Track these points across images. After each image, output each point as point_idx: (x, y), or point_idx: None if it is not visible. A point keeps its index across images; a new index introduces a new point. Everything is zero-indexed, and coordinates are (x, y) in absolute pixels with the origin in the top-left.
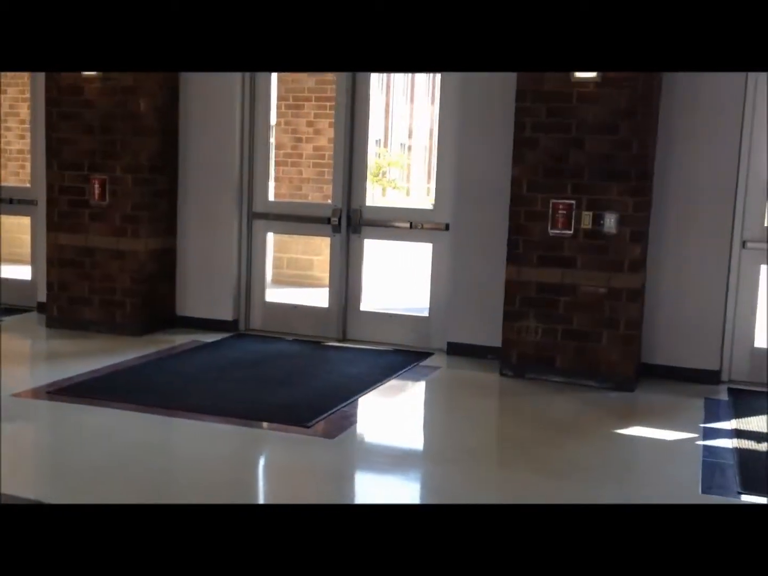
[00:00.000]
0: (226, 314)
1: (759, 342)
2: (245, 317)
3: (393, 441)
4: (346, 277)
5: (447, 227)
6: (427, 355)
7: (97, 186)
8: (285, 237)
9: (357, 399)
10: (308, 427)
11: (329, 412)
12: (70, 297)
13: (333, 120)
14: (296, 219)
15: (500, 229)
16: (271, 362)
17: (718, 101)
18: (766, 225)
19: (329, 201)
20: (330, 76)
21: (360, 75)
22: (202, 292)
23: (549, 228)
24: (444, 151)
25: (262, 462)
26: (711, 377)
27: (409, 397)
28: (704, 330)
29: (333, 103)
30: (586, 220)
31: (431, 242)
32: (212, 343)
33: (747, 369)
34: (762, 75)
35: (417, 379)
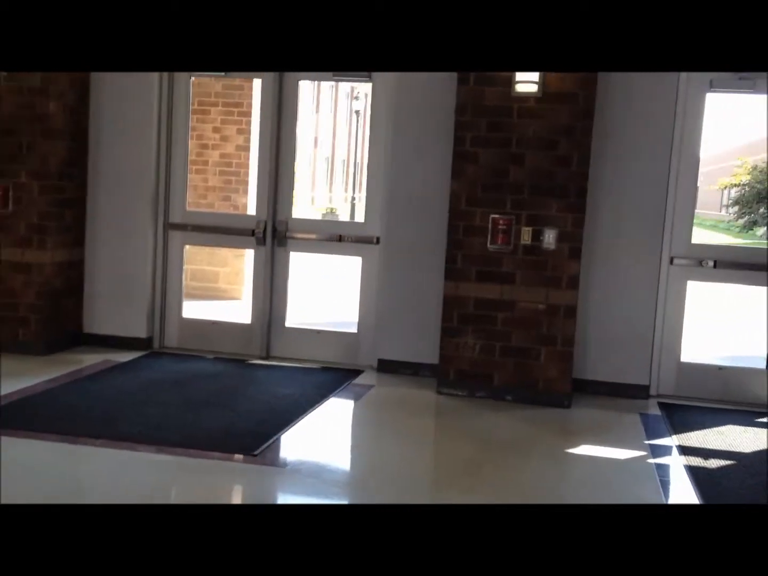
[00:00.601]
0: (139, 331)
1: (685, 356)
2: (160, 334)
3: (345, 466)
4: (270, 291)
5: (377, 241)
6: (357, 372)
7: None
8: (190, 248)
9: (297, 422)
10: (255, 456)
11: (273, 438)
12: None
13: (255, 126)
14: (215, 230)
15: (432, 243)
16: (195, 383)
17: (650, 118)
18: (692, 242)
19: (252, 212)
20: (238, 81)
21: (287, 77)
22: (112, 308)
23: (488, 243)
24: (374, 163)
25: (220, 497)
26: (641, 391)
27: (349, 419)
28: (634, 345)
29: (241, 109)
30: (526, 235)
31: (360, 256)
32: (127, 362)
33: (674, 383)
34: (693, 90)
35: (352, 399)
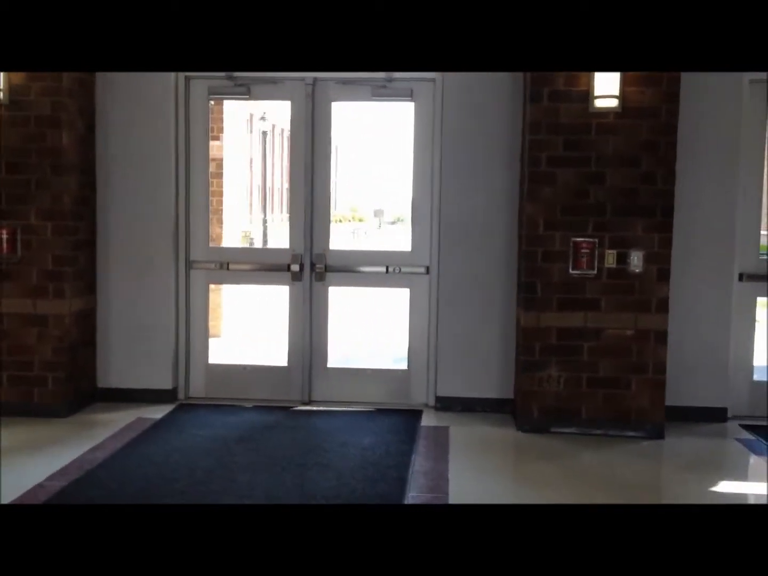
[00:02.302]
0: (163, 382)
1: (759, 375)
2: (185, 384)
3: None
4: (309, 330)
5: (427, 270)
6: (415, 413)
7: (4, 236)
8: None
9: (410, 479)
10: None
11: (406, 502)
12: None
13: (290, 154)
14: (245, 266)
15: (492, 271)
16: (261, 439)
17: (717, 132)
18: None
19: (284, 245)
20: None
21: (319, 99)
22: (130, 358)
23: (570, 269)
24: (419, 187)
25: None
26: (719, 414)
27: (462, 469)
28: (710, 366)
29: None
30: (610, 258)
31: (408, 287)
32: (164, 419)
33: (748, 403)
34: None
35: (441, 444)
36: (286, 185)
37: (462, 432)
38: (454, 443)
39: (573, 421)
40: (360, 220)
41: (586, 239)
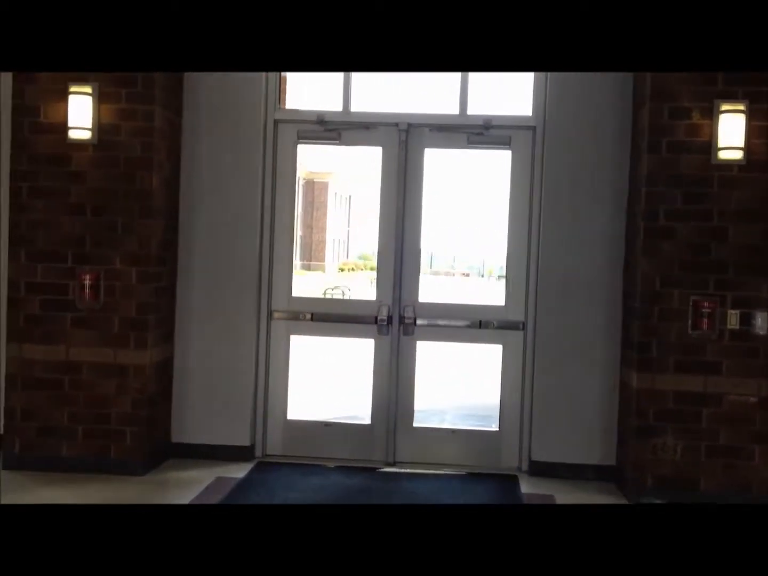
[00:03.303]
0: (240, 438)
1: None
2: (263, 441)
3: None
4: (396, 387)
5: (522, 326)
6: (510, 478)
7: (87, 282)
8: None
9: None
10: None
11: None
12: (40, 428)
13: (380, 201)
14: (330, 318)
15: (592, 329)
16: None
17: None
18: None
19: (371, 297)
20: None
21: (411, 145)
22: (206, 412)
23: (689, 329)
24: (515, 238)
25: None
26: None
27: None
28: None
29: None
30: (732, 319)
31: (501, 344)
32: (247, 479)
33: None
34: None
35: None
36: (337, 236)
37: (570, 502)
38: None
39: (690, 492)
40: (452, 275)
41: (708, 298)
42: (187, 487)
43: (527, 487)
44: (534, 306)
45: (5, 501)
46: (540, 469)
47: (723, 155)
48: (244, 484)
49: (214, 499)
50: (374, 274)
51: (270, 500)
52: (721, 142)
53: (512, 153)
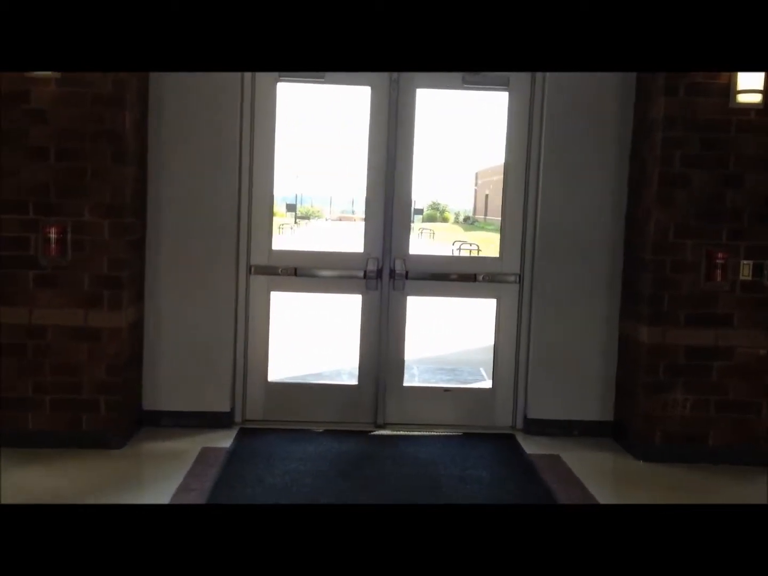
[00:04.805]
0: (219, 404)
1: None
2: (242, 406)
3: None
4: (386, 345)
5: (519, 279)
6: (508, 437)
7: (53, 235)
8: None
9: None
10: None
11: None
12: (2, 399)
13: (369, 146)
14: (313, 273)
15: (591, 281)
16: (360, 474)
17: None
18: None
19: (357, 250)
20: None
21: (403, 85)
22: (181, 377)
23: (702, 281)
24: (511, 186)
25: None
26: None
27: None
28: None
29: None
30: (745, 270)
31: (495, 298)
32: (236, 450)
33: None
34: None
35: (569, 477)
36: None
37: (579, 462)
38: (582, 476)
39: (698, 450)
40: (444, 221)
41: (721, 249)
42: (174, 459)
43: (529, 447)
44: (531, 258)
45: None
46: (536, 428)
47: (741, 98)
48: (234, 456)
49: (209, 473)
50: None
51: (270, 472)
52: (741, 84)
53: (510, 95)
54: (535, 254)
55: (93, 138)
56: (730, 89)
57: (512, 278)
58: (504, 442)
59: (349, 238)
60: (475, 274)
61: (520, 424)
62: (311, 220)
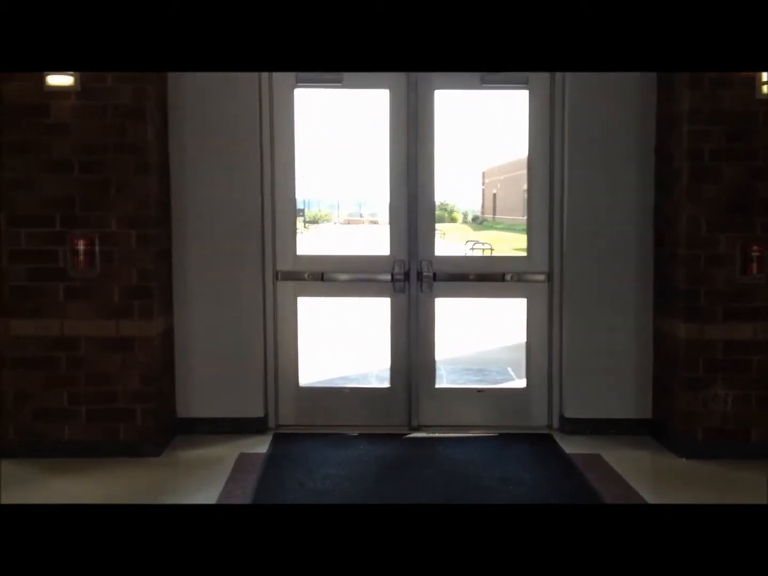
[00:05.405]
0: (253, 410)
1: None
2: (275, 411)
3: None
4: (417, 348)
5: (548, 277)
6: (546, 437)
7: (81, 247)
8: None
9: None
10: None
11: None
12: (36, 411)
13: (390, 149)
14: (340, 277)
15: (619, 277)
16: (403, 477)
17: None
18: None
19: (384, 252)
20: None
21: (421, 86)
22: (213, 384)
23: (737, 275)
24: (536, 184)
25: None
26: None
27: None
28: None
29: None
30: None
31: (526, 297)
32: (273, 455)
33: None
34: None
35: (613, 477)
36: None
37: (620, 460)
38: (626, 475)
39: (740, 446)
40: (453, 221)
41: (755, 241)
42: (212, 466)
43: (567, 447)
44: (560, 255)
45: (13, 495)
46: (573, 427)
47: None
48: (272, 461)
49: (249, 479)
50: (377, 227)
51: (310, 477)
52: (766, 75)
53: (530, 93)
54: (564, 252)
55: (115, 150)
56: (755, 80)
57: (541, 277)
58: (542, 442)
59: (360, 240)
60: (503, 274)
61: (556, 423)
62: (320, 223)
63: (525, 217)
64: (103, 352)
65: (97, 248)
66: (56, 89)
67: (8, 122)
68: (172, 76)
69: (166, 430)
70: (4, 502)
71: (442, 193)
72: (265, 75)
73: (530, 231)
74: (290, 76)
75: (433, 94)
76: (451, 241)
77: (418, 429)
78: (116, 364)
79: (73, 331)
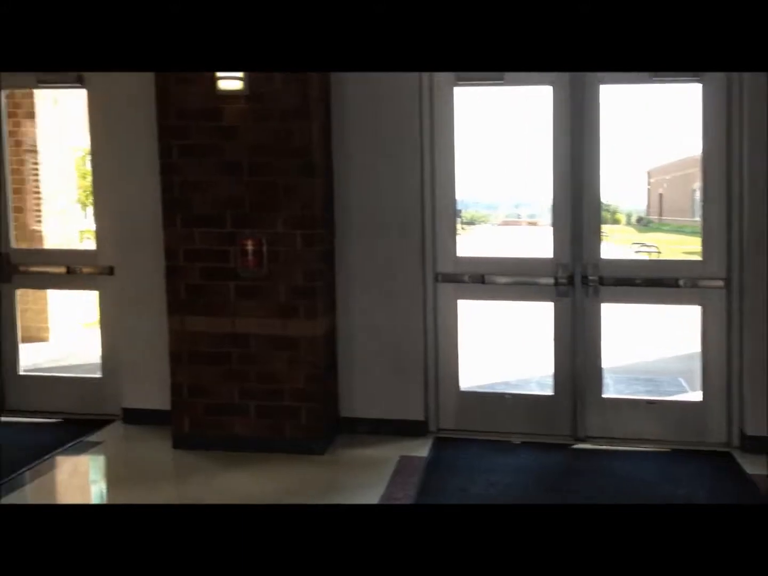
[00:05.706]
0: (413, 412)
1: None
2: (436, 414)
3: None
4: (583, 354)
5: (726, 284)
6: (724, 455)
7: (250, 248)
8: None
9: None
10: None
11: None
12: (208, 405)
13: (553, 148)
14: (501, 281)
15: None
16: (576, 489)
17: None
18: None
19: (547, 255)
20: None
21: (588, 83)
22: (375, 386)
23: None
24: (712, 184)
25: None
26: None
27: None
28: None
29: None
30: None
31: (700, 305)
32: (433, 459)
33: None
34: None
35: None
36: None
37: None
38: None
39: None
40: (616, 222)
41: None
42: (375, 467)
43: (749, 467)
44: (739, 260)
45: (188, 485)
46: (756, 445)
47: None
48: (433, 465)
49: (410, 482)
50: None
51: (472, 483)
52: None
53: (703, 86)
54: (744, 256)
55: (282, 152)
56: None
57: (719, 283)
58: (719, 461)
59: (518, 242)
60: (676, 279)
61: (736, 441)
62: (477, 225)
63: (695, 219)
64: (271, 351)
65: (264, 248)
66: (227, 93)
67: (185, 126)
68: (335, 77)
69: (330, 428)
70: (183, 492)
71: (605, 194)
72: (426, 74)
73: (705, 234)
74: (451, 74)
75: (598, 90)
76: (614, 244)
77: (584, 440)
78: (283, 363)
79: (243, 328)
